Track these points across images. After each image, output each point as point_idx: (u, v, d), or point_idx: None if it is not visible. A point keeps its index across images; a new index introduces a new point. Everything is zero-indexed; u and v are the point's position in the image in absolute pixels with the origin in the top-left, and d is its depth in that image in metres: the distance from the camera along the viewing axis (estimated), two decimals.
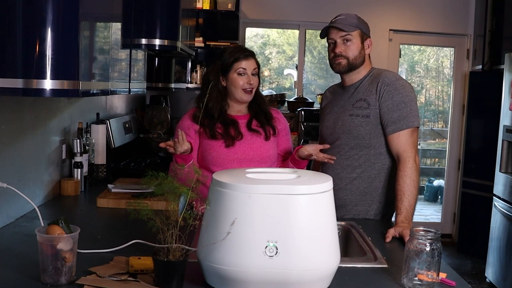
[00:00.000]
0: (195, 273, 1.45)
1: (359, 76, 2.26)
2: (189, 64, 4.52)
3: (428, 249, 1.45)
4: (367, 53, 2.25)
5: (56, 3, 1.46)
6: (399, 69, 5.66)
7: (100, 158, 2.87)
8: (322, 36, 2.27)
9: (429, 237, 1.46)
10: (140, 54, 2.57)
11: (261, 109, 2.24)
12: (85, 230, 1.55)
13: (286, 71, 6.41)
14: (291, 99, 5.20)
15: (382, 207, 2.26)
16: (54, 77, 1.46)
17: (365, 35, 2.23)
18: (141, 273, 1.45)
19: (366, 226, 2.07)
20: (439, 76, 6.95)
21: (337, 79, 2.43)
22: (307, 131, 4.77)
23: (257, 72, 2.21)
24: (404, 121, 2.12)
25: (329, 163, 2.22)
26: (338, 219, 2.20)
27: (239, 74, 2.14)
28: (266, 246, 1.32)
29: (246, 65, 2.15)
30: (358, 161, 2.22)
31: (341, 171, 2.24)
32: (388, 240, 1.92)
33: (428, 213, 6.71)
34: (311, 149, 2.13)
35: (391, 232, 1.94)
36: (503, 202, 4.04)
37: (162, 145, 2.04)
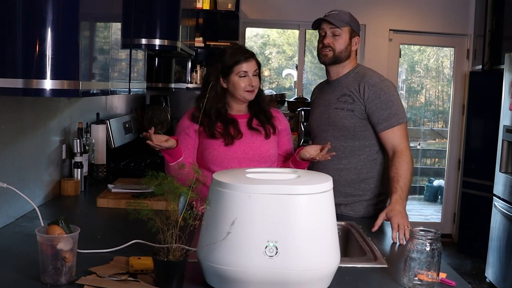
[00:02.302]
0: (195, 273, 1.45)
1: (343, 71, 2.34)
2: (189, 64, 4.52)
3: (428, 249, 1.45)
4: (353, 49, 2.34)
5: (56, 3, 1.46)
6: (399, 69, 5.66)
7: (100, 158, 2.87)
8: (314, 27, 2.37)
9: (429, 237, 1.46)
10: (140, 54, 2.57)
11: (261, 108, 2.24)
12: (85, 230, 1.55)
13: (286, 71, 6.41)
14: (291, 99, 5.20)
15: (373, 198, 2.32)
16: (54, 77, 1.46)
17: (354, 33, 2.32)
18: (141, 273, 1.45)
19: (366, 226, 2.07)
20: (439, 76, 6.94)
21: None
22: (307, 131, 4.77)
23: (258, 73, 2.21)
24: (394, 118, 2.22)
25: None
26: (337, 217, 2.23)
27: (241, 76, 2.15)
28: (266, 246, 1.32)
29: (247, 67, 2.15)
30: (344, 153, 2.28)
31: (327, 163, 2.27)
32: (374, 229, 2.01)
33: (428, 213, 6.70)
34: (313, 151, 2.15)
35: (382, 218, 2.02)
36: (503, 202, 4.04)
37: (145, 133, 2.02)
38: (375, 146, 2.29)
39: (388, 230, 2.14)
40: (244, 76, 2.15)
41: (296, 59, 5.54)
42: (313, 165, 2.31)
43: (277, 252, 1.32)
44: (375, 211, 2.29)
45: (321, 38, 2.32)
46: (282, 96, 5.17)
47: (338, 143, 2.27)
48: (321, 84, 2.56)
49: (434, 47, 6.33)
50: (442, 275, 1.53)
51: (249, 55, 2.17)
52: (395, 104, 2.22)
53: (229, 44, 4.51)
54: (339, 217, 2.19)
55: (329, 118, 2.31)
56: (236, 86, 2.15)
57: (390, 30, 5.32)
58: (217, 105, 2.17)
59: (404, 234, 1.93)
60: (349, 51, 2.31)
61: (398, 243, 1.92)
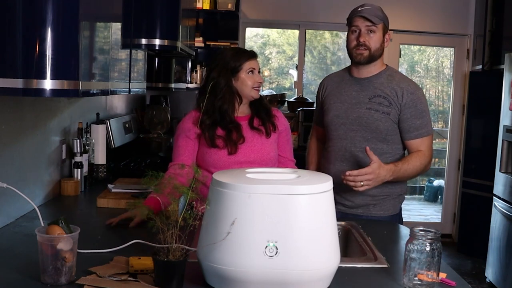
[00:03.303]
0: (195, 273, 1.45)
1: (374, 70, 2.30)
2: (189, 64, 4.52)
3: (428, 249, 1.45)
4: (385, 46, 2.31)
5: (56, 3, 1.46)
6: (399, 69, 5.66)
7: (100, 158, 2.87)
8: (348, 24, 2.31)
9: (429, 237, 1.46)
10: (140, 54, 2.57)
11: (262, 104, 2.25)
12: (85, 230, 1.55)
13: (289, 72, 6.41)
14: (291, 99, 5.20)
15: (400, 196, 2.34)
16: (54, 77, 1.46)
17: (386, 29, 2.30)
18: (141, 273, 1.45)
19: (366, 226, 2.07)
20: (439, 76, 6.95)
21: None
22: (307, 131, 4.77)
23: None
24: (425, 128, 2.25)
25: (343, 156, 2.29)
26: (352, 215, 2.24)
27: (249, 73, 2.16)
28: (266, 246, 1.32)
29: (255, 64, 2.18)
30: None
31: (356, 162, 2.26)
32: (367, 150, 2.06)
33: (428, 213, 6.71)
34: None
35: (372, 155, 2.06)
36: (503, 202, 4.04)
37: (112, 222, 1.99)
38: (400, 151, 2.31)
39: (388, 230, 2.14)
40: (252, 73, 2.16)
41: (296, 59, 5.54)
42: (340, 165, 2.30)
43: (277, 252, 1.32)
44: (399, 205, 2.36)
45: (355, 35, 2.25)
46: (282, 96, 5.17)
47: (368, 144, 2.23)
48: (336, 76, 2.47)
49: (434, 47, 6.34)
50: (442, 275, 1.53)
51: (254, 53, 2.21)
52: (427, 115, 2.26)
53: (229, 44, 4.51)
54: (368, 219, 2.24)
55: (360, 118, 2.26)
56: (244, 83, 2.15)
57: (390, 30, 5.31)
58: (234, 103, 2.17)
59: (352, 181, 2.05)
60: (382, 49, 2.28)
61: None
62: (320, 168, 2.47)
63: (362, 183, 2.05)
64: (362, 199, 2.28)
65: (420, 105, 2.24)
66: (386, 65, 2.35)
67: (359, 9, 2.25)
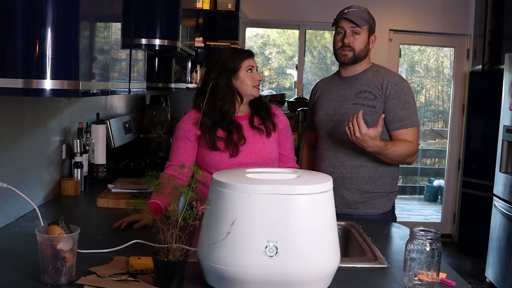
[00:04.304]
0: (195, 273, 1.45)
1: (360, 69, 2.34)
2: (189, 64, 4.52)
3: (428, 249, 1.45)
4: (370, 47, 2.34)
5: (56, 3, 1.46)
6: (399, 69, 5.66)
7: (100, 158, 2.87)
8: (333, 25, 2.35)
9: (429, 237, 1.46)
10: (140, 54, 2.57)
11: (261, 103, 2.25)
12: (85, 230, 1.55)
13: (288, 71, 6.41)
14: (291, 99, 5.20)
15: (390, 193, 2.34)
16: (54, 77, 1.46)
17: (372, 30, 2.33)
18: (141, 273, 1.45)
19: (366, 226, 2.07)
20: (439, 76, 6.95)
21: None
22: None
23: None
24: (409, 119, 2.25)
25: (333, 152, 2.30)
26: (343, 215, 2.23)
27: (248, 71, 2.16)
28: (266, 246, 1.32)
29: (253, 62, 2.19)
30: (361, 149, 2.24)
31: (346, 159, 2.28)
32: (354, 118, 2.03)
33: (428, 213, 6.70)
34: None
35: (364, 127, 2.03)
36: (503, 202, 4.04)
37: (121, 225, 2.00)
38: None
39: (388, 230, 2.14)
40: (251, 72, 2.16)
41: (296, 59, 5.54)
42: (329, 162, 2.30)
43: (277, 252, 1.32)
44: (391, 203, 2.35)
45: (341, 37, 2.30)
46: (282, 96, 5.17)
47: None
48: (327, 79, 2.54)
49: (434, 47, 6.34)
50: (442, 275, 1.53)
51: (251, 52, 2.21)
52: (412, 106, 2.27)
53: (229, 44, 4.52)
54: (359, 218, 2.24)
55: (347, 113, 2.27)
56: (244, 82, 2.15)
57: (390, 30, 5.32)
58: (234, 103, 2.16)
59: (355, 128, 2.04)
60: (367, 50, 2.32)
61: None
62: (312, 166, 2.49)
63: (350, 128, 2.05)
64: (352, 197, 2.29)
65: (404, 96, 2.25)
66: (373, 63, 2.38)
67: (345, 11, 2.29)
